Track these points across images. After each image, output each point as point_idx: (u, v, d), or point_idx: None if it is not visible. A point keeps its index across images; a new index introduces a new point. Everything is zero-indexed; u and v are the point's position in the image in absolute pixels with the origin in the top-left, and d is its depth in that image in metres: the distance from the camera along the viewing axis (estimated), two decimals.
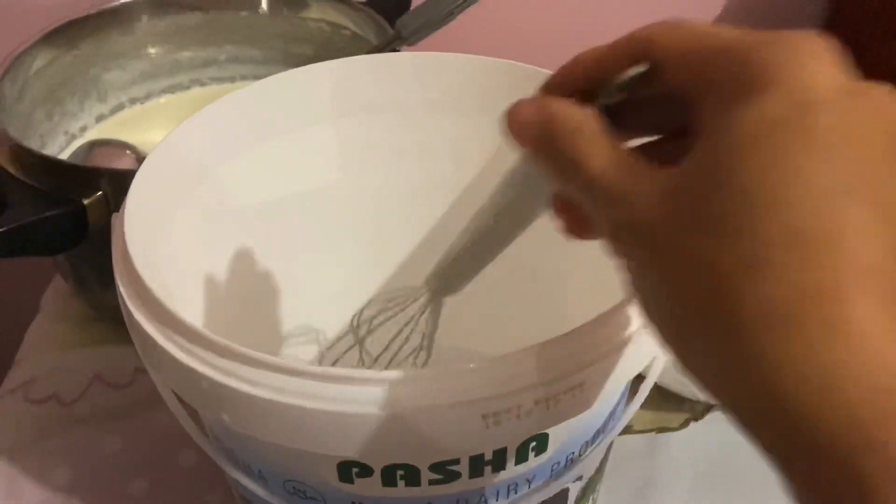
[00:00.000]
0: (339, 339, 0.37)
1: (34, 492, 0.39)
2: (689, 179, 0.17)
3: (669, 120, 0.21)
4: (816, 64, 0.17)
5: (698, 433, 0.42)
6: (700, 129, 0.18)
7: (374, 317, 0.32)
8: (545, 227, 0.37)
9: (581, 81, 0.21)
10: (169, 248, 0.30)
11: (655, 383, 0.43)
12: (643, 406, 0.43)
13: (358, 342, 0.32)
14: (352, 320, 0.33)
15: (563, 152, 0.20)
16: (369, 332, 0.32)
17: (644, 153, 0.20)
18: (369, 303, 0.33)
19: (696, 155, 0.17)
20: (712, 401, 0.45)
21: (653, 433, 0.42)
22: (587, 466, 0.29)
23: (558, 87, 0.22)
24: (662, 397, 0.43)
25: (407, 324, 0.30)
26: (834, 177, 0.16)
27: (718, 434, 0.42)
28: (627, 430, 0.43)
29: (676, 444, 0.42)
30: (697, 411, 0.43)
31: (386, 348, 0.32)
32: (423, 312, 0.30)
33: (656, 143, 0.22)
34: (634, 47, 0.20)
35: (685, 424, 0.43)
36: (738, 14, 0.70)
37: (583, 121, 0.20)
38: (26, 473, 0.40)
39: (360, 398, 0.21)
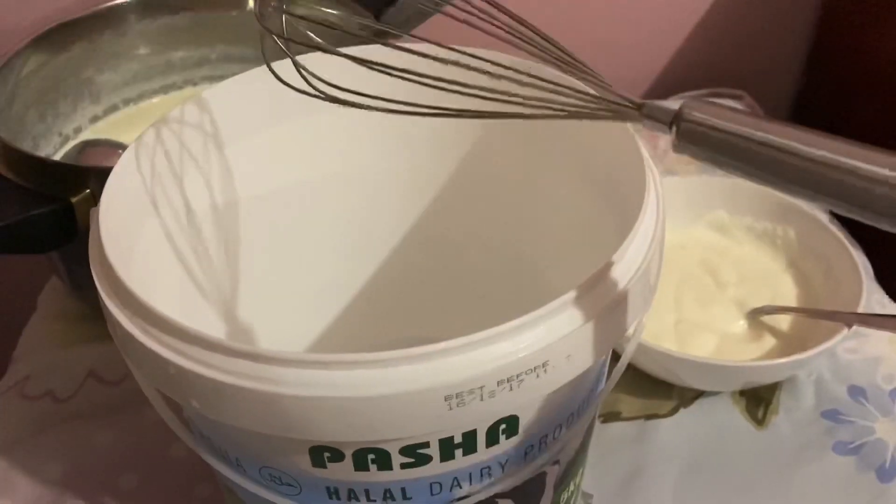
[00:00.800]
0: None
1: (27, 487, 0.40)
2: None
3: None
4: None
5: (687, 420, 0.42)
6: None
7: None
8: (528, 213, 0.38)
9: None
10: (147, 244, 0.30)
11: (643, 370, 0.43)
12: (631, 393, 0.44)
13: None
14: None
15: None
16: None
17: None
18: None
19: None
20: (701, 387, 0.45)
21: (641, 420, 0.42)
22: (564, 450, 0.29)
23: None
24: (651, 384, 0.43)
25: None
26: None
27: (707, 421, 0.42)
28: (616, 417, 0.43)
29: (665, 431, 0.42)
30: (686, 398, 0.43)
31: None
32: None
33: None
34: None
35: (674, 411, 0.43)
36: (730, 8, 0.70)
37: None
38: (20, 469, 0.41)
39: (323, 382, 0.22)
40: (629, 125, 0.30)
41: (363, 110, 0.37)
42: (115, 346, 0.26)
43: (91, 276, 0.45)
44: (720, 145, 0.19)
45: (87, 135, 0.54)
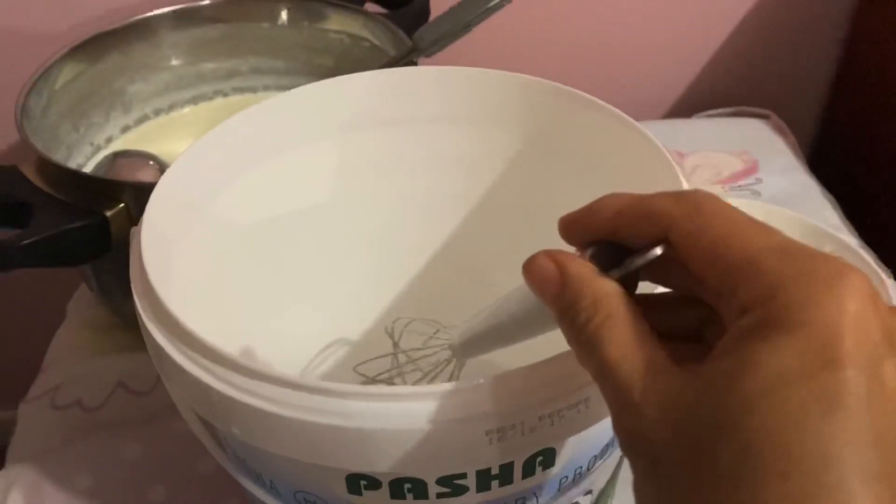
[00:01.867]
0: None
1: (56, 496, 0.40)
2: (699, 408, 0.17)
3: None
4: (848, 308, 0.16)
5: None
6: (723, 339, 0.17)
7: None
8: (560, 239, 0.38)
9: (598, 233, 0.20)
10: (184, 263, 0.31)
11: None
12: None
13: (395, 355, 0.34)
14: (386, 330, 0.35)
15: (580, 325, 0.19)
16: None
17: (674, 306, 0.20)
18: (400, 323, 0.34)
19: (711, 378, 0.17)
20: None
21: None
22: (597, 480, 0.29)
23: (574, 232, 0.21)
24: None
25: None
26: (850, 450, 0.15)
27: None
28: None
29: None
30: None
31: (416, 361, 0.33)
32: (448, 363, 0.31)
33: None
34: (653, 223, 0.19)
35: None
36: (758, 28, 0.70)
37: (602, 295, 0.19)
38: (49, 478, 0.41)
39: (366, 413, 0.22)
40: (670, 159, 0.30)
41: (397, 131, 0.38)
42: (143, 356, 0.26)
43: (120, 286, 0.45)
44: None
45: (119, 144, 0.55)
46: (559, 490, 0.27)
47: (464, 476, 0.25)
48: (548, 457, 0.25)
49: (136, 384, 0.46)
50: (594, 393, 0.23)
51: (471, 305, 0.42)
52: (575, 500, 0.29)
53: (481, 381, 0.22)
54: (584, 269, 0.20)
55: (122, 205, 0.40)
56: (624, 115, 0.33)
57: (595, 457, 0.28)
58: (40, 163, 0.42)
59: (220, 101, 0.58)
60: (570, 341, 0.20)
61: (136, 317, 0.27)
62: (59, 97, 0.50)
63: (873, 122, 0.69)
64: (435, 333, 0.32)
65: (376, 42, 0.53)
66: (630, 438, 0.18)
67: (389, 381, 0.34)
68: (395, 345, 0.34)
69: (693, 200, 0.19)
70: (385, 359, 0.34)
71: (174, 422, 0.43)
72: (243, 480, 0.29)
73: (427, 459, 0.23)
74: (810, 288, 0.16)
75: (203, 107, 0.58)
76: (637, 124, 0.32)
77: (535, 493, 0.27)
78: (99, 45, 0.52)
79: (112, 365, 0.47)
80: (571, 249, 0.22)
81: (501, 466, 0.25)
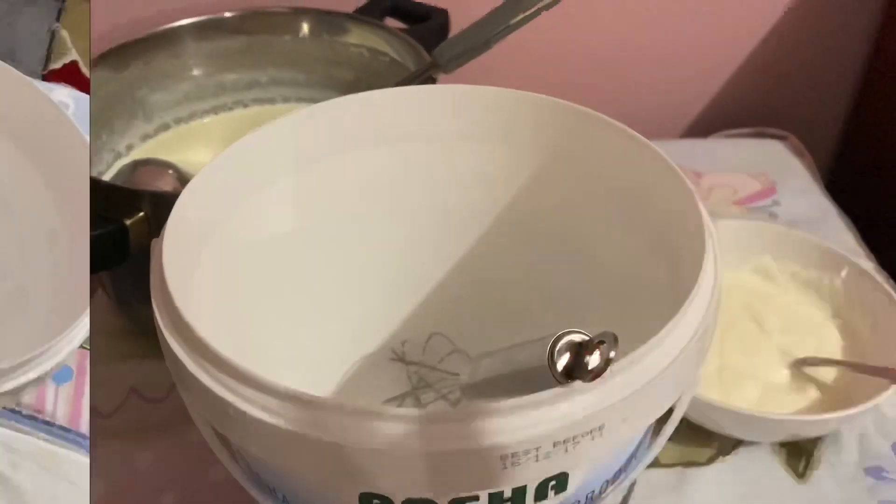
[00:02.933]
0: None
1: None
2: None
3: None
4: None
5: (726, 469, 0.42)
6: None
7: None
8: (576, 259, 0.38)
9: None
10: (204, 276, 0.31)
11: (683, 417, 0.42)
12: (670, 440, 0.43)
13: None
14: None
15: None
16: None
17: None
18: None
19: None
20: (743, 437, 0.44)
21: (680, 468, 0.42)
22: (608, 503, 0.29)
23: None
24: (690, 431, 0.43)
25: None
26: None
27: (747, 471, 0.42)
28: (654, 464, 0.42)
29: (703, 481, 0.41)
30: (726, 446, 0.43)
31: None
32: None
33: None
34: None
35: (713, 459, 0.42)
36: (777, 48, 0.70)
37: None
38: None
39: (381, 434, 0.22)
40: (686, 180, 0.30)
41: (417, 148, 0.38)
42: (158, 363, 0.26)
43: (137, 293, 0.45)
44: None
45: (138, 152, 0.55)
46: None
47: (476, 499, 0.25)
48: (561, 482, 0.25)
49: (150, 391, 0.47)
50: (610, 420, 0.23)
51: (486, 323, 0.42)
52: None
53: (497, 405, 0.22)
54: None
55: (141, 213, 0.41)
56: (640, 136, 0.33)
57: (607, 481, 0.28)
58: None
59: (239, 111, 0.58)
60: None
61: (154, 326, 0.27)
62: None
63: (892, 145, 0.69)
64: (448, 354, 0.32)
65: (396, 56, 0.53)
66: None
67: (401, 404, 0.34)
68: (408, 364, 0.34)
69: None
70: (401, 379, 0.34)
71: (187, 430, 0.43)
72: (256, 494, 0.29)
73: (441, 482, 0.23)
74: None
75: (223, 117, 0.58)
76: (653, 145, 0.32)
77: None
78: (122, 54, 0.52)
79: (126, 371, 0.48)
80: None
81: (514, 490, 0.25)
